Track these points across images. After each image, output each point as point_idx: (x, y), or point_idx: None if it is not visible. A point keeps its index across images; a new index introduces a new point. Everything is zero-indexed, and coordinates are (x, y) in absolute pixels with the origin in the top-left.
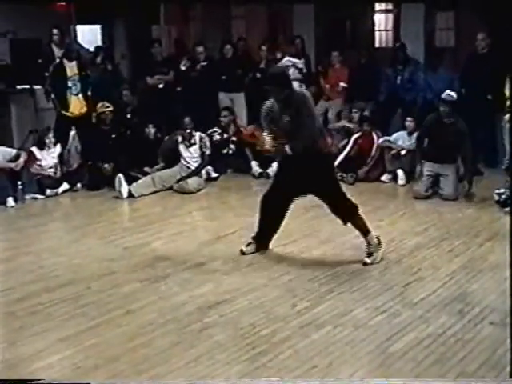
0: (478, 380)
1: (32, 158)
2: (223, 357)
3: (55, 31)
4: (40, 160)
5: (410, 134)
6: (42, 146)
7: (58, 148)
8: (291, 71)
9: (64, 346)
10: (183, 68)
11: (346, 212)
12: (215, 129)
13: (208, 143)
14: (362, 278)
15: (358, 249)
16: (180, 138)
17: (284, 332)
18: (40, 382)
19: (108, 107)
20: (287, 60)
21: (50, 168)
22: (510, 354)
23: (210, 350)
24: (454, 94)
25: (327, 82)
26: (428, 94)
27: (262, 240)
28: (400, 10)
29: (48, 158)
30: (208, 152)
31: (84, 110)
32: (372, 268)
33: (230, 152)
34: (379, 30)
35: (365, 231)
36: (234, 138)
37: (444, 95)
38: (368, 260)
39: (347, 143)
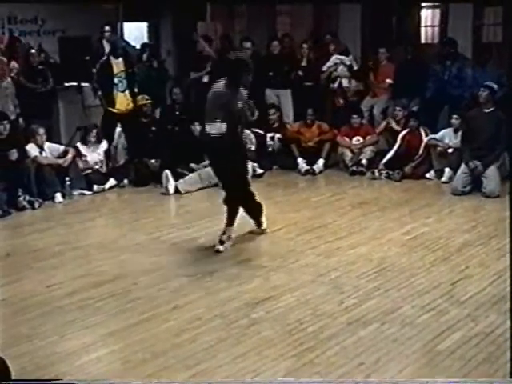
0: (478, 380)
1: (78, 154)
2: (270, 352)
3: (107, 28)
4: (85, 156)
5: (456, 131)
6: (85, 142)
7: (104, 144)
8: (340, 68)
9: (112, 340)
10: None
11: None
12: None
13: (254, 140)
14: (410, 275)
15: (405, 246)
16: None
17: (331, 329)
18: (57, 382)
19: (147, 99)
20: (335, 58)
21: (96, 164)
22: (510, 353)
23: (258, 346)
24: (495, 85)
25: (375, 78)
26: (476, 91)
27: None
28: (448, 5)
29: (93, 154)
30: (253, 148)
31: (130, 106)
32: (419, 265)
33: (275, 149)
34: (425, 26)
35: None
36: (278, 135)
37: (486, 83)
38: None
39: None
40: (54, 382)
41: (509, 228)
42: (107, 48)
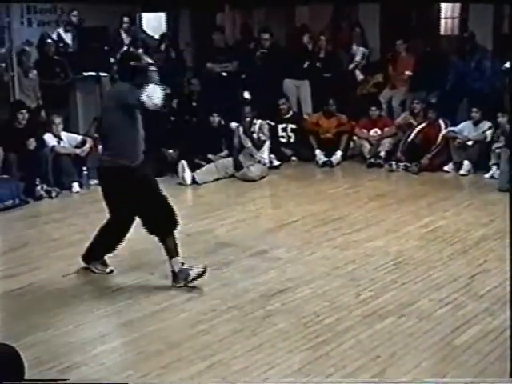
0: (477, 380)
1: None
2: (285, 345)
3: (126, 19)
4: None
5: (475, 124)
6: None
7: None
8: (359, 59)
9: (127, 330)
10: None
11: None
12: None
13: (266, 130)
14: (427, 269)
15: (423, 239)
16: (241, 128)
17: (347, 321)
18: (66, 381)
19: (165, 89)
20: (358, 49)
21: None
22: (510, 353)
23: (273, 338)
24: None
25: (394, 70)
26: (496, 83)
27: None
28: None
29: None
30: (264, 138)
31: None
32: (437, 259)
33: (291, 140)
34: (445, 18)
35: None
36: (292, 126)
37: None
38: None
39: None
40: (59, 382)
41: (509, 227)
42: (125, 39)
